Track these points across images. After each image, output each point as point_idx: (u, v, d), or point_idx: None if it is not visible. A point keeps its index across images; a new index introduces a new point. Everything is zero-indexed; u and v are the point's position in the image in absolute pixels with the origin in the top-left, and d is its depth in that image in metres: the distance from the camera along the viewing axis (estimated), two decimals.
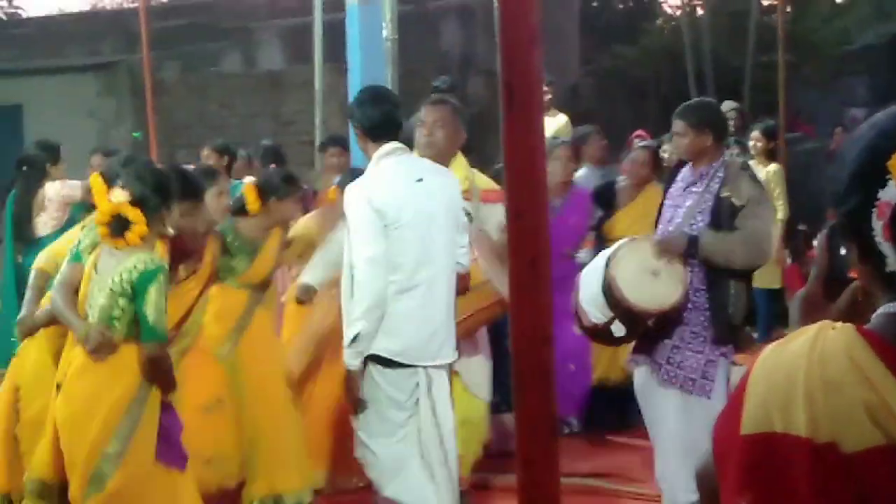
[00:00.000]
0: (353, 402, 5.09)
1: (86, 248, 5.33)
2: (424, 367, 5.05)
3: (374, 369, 5.08)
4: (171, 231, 5.21)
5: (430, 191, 5.14)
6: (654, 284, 5.68)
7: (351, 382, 5.07)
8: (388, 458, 5.11)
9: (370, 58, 9.60)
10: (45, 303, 5.65)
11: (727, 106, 10.61)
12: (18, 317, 5.93)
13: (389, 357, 5.03)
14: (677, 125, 6.08)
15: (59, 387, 5.05)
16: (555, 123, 10.94)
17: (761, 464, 1.75)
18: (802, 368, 1.74)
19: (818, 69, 20.27)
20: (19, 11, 26.50)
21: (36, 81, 17.23)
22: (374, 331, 4.97)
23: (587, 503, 6.47)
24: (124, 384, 4.92)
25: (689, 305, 5.79)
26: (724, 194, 5.84)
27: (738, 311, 5.81)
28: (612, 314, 5.68)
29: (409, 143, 9.01)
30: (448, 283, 5.15)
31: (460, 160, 6.00)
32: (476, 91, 16.29)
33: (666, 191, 6.29)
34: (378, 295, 4.95)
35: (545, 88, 10.46)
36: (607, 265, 5.71)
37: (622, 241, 5.99)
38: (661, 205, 6.24)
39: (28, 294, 5.95)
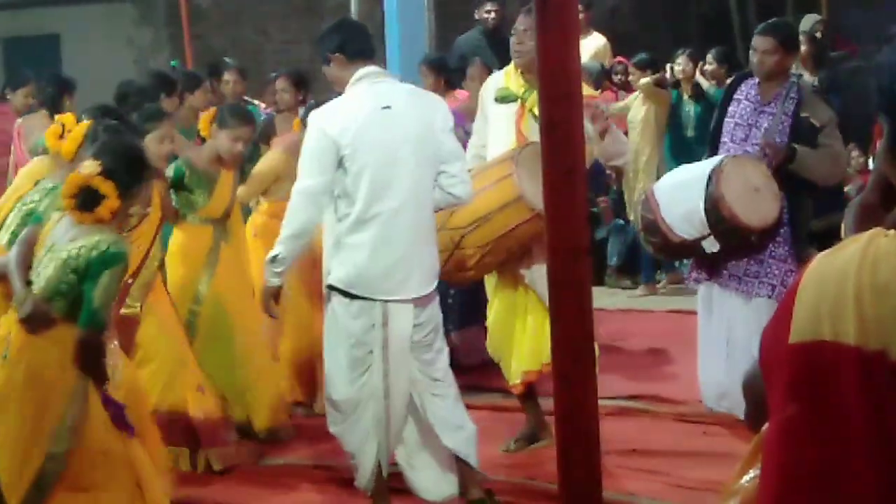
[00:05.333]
0: (269, 313, 5.33)
1: (48, 210, 5.00)
2: (383, 300, 5.00)
3: (335, 300, 5.08)
4: (145, 211, 5.04)
5: (398, 119, 5.00)
6: (758, 200, 5.88)
7: (264, 297, 5.23)
8: (341, 402, 5.14)
9: None
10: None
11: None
12: None
13: (343, 288, 5.02)
14: (766, 42, 6.12)
15: None
16: (593, 45, 10.81)
17: (810, 373, 1.72)
18: (853, 274, 1.69)
19: None
20: None
21: (73, 11, 17.17)
22: (292, 257, 5.11)
23: (624, 425, 6.44)
24: (69, 374, 4.51)
25: None
26: (804, 114, 6.03)
27: (811, 223, 6.13)
28: (708, 231, 5.79)
29: (448, 69, 8.95)
30: (415, 216, 5.04)
31: None
32: (515, 13, 16.07)
33: (723, 106, 6.35)
34: (303, 226, 5.04)
35: (580, 8, 10.35)
36: (710, 183, 5.83)
37: (721, 157, 6.06)
38: (719, 121, 6.30)
39: None
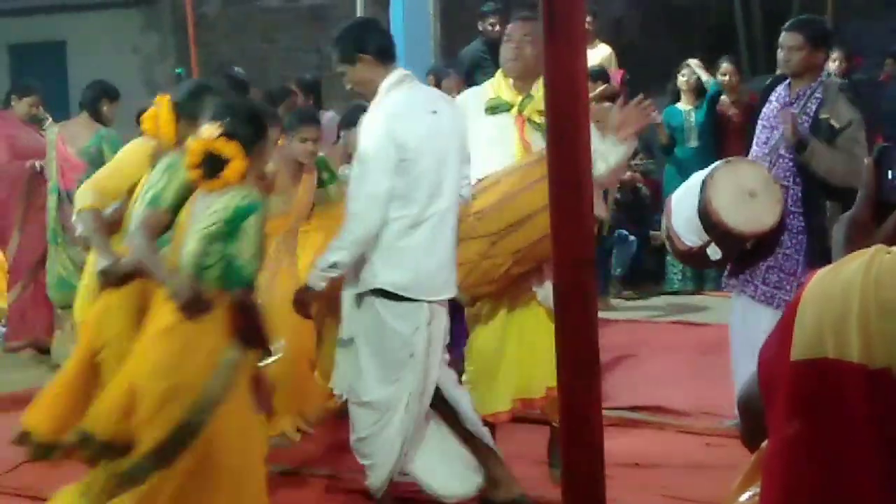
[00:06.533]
0: (303, 315, 5.15)
1: (169, 192, 4.71)
2: (429, 301, 5.02)
3: (380, 304, 5.00)
4: (270, 167, 4.81)
5: (443, 123, 5.07)
6: (752, 206, 5.70)
7: (304, 299, 5.08)
8: (376, 402, 5.05)
9: None
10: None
11: None
12: (101, 265, 5.02)
13: (396, 291, 4.98)
14: (793, 38, 6.02)
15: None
16: (598, 55, 10.81)
17: (812, 390, 1.70)
18: (857, 292, 1.68)
19: None
20: None
21: (79, 18, 17.23)
22: (351, 264, 4.95)
23: (626, 436, 6.42)
24: (212, 343, 4.35)
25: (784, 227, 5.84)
26: (823, 116, 5.88)
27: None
28: (707, 238, 5.73)
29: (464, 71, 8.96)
30: (454, 218, 5.12)
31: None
32: None
33: (759, 109, 6.28)
34: (369, 231, 4.90)
35: (587, 19, 10.31)
36: (703, 188, 5.71)
37: (718, 163, 5.99)
38: (755, 124, 6.25)
39: (97, 239, 5.16)
